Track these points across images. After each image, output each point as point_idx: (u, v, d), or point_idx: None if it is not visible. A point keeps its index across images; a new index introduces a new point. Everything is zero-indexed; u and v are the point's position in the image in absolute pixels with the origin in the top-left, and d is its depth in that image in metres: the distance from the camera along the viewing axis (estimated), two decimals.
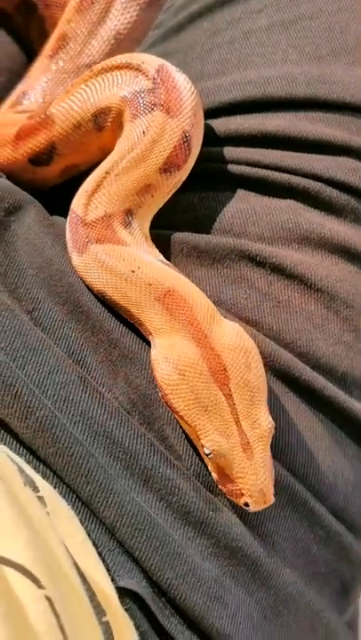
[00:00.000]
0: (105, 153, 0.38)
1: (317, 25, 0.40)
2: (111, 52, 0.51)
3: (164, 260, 0.36)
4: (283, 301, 0.36)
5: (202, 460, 0.33)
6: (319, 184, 0.37)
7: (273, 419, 0.35)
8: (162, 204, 0.38)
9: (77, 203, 0.36)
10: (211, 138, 0.39)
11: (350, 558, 0.37)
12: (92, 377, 0.34)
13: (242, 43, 0.41)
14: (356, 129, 0.38)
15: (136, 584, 0.31)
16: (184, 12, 0.44)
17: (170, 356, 0.32)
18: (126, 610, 0.31)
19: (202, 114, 0.37)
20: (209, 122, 0.39)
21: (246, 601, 0.33)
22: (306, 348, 0.36)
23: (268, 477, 0.31)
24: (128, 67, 0.37)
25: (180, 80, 0.37)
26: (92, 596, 0.29)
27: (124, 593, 0.31)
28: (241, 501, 0.31)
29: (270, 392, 0.35)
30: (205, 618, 0.32)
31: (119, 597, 0.31)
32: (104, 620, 0.29)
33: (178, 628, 0.32)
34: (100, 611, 0.29)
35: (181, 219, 0.39)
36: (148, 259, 0.35)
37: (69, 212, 0.37)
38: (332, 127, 0.38)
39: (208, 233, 0.38)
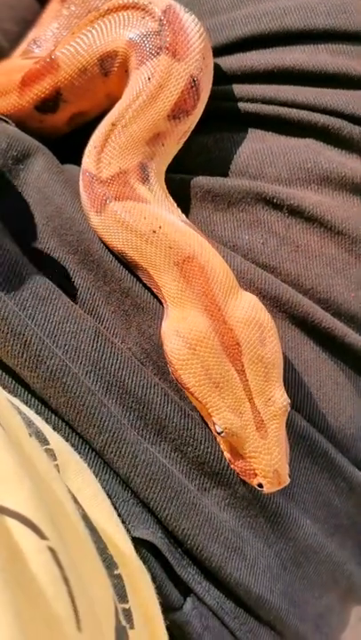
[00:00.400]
0: (113, 100, 0.36)
1: None
2: None
3: (187, 221, 0.34)
4: (302, 245, 0.34)
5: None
6: (340, 120, 0.35)
7: (292, 368, 0.34)
8: (174, 152, 0.36)
9: (88, 160, 0.35)
10: (225, 75, 0.37)
11: None
12: (104, 327, 0.33)
13: None
14: None
15: (152, 534, 0.31)
16: None
17: (181, 329, 0.31)
18: (142, 560, 0.31)
19: (211, 57, 0.35)
20: (223, 59, 0.37)
21: (265, 552, 0.33)
22: (326, 294, 0.34)
23: (283, 457, 0.30)
24: (135, 7, 0.35)
25: (189, 21, 0.34)
26: (103, 548, 0.28)
27: (139, 543, 0.31)
28: (254, 482, 0.30)
29: (290, 340, 0.34)
30: (223, 568, 0.31)
31: (135, 548, 0.30)
32: (116, 572, 0.28)
33: (195, 578, 0.32)
34: (111, 563, 0.28)
35: (195, 162, 0.37)
36: (171, 219, 0.33)
37: (81, 172, 0.35)
38: (353, 59, 0.35)
39: (223, 175, 0.36)
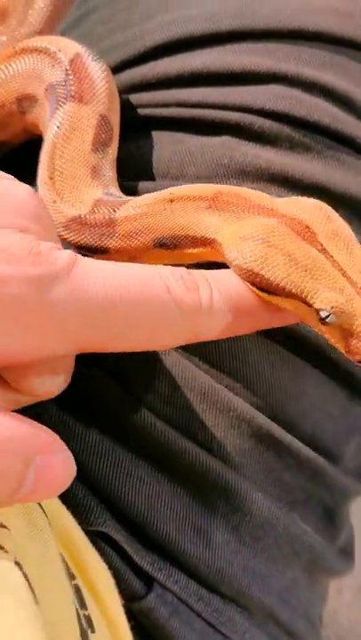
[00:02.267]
0: (31, 133, 0.39)
1: None
2: (51, 17, 0.51)
3: None
4: None
5: None
6: (251, 115, 0.36)
7: (229, 356, 0.35)
8: (114, 169, 0.37)
9: (59, 213, 0.34)
10: (140, 83, 0.39)
11: (327, 483, 0.37)
12: None
13: None
14: (283, 55, 0.37)
15: (107, 525, 0.32)
16: None
17: (245, 234, 0.29)
18: (100, 553, 0.32)
19: (118, 100, 0.37)
20: (138, 68, 0.39)
21: (221, 527, 0.34)
22: None
23: None
24: (46, 52, 0.37)
25: (95, 69, 0.36)
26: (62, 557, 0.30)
27: (96, 536, 0.32)
28: None
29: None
30: (180, 545, 0.33)
31: (92, 542, 0.32)
32: (73, 582, 0.30)
33: (155, 565, 0.33)
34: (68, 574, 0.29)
35: (124, 168, 0.39)
36: (172, 188, 0.32)
37: (63, 227, 0.34)
38: (257, 56, 0.37)
39: (150, 179, 0.38)
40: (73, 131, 0.35)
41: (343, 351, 0.28)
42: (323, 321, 0.28)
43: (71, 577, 0.29)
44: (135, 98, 0.39)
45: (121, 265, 0.25)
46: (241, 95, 0.36)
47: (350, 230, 0.30)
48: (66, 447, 0.23)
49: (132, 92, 0.39)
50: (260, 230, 0.29)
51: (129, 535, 0.33)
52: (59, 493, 0.23)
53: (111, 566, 0.32)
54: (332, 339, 0.28)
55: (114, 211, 0.33)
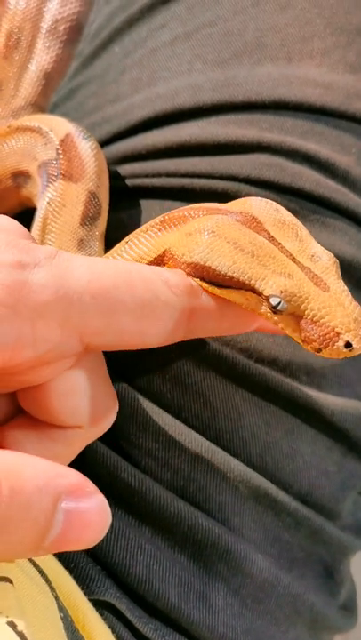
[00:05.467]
0: (25, 206, 0.41)
1: (217, 31, 0.41)
2: (44, 90, 0.53)
3: None
4: None
5: None
6: (237, 183, 0.38)
7: (223, 417, 0.36)
8: (102, 241, 0.39)
9: None
10: (132, 155, 0.40)
11: (325, 540, 0.38)
12: None
13: (150, 60, 0.42)
14: (267, 125, 0.39)
15: (109, 594, 0.32)
16: (97, 39, 0.46)
17: (190, 230, 0.29)
18: (104, 621, 0.32)
19: (107, 176, 0.39)
20: (128, 140, 0.41)
21: (222, 590, 0.34)
22: (246, 343, 0.36)
23: (357, 305, 0.26)
24: (39, 132, 0.40)
25: (85, 148, 0.38)
26: (70, 621, 0.30)
27: (98, 605, 0.32)
28: (340, 344, 0.25)
29: (220, 391, 0.36)
30: (182, 610, 0.33)
31: (96, 609, 0.32)
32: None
33: (158, 632, 0.33)
34: (76, 636, 0.30)
35: (115, 236, 0.40)
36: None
37: None
38: (242, 127, 0.39)
39: None
40: (63, 207, 0.37)
41: (300, 341, 0.27)
42: (275, 310, 0.27)
43: (81, 639, 0.29)
44: (126, 169, 0.40)
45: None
46: (227, 165, 0.38)
47: (299, 222, 0.29)
48: (100, 493, 0.23)
49: (122, 163, 0.40)
50: (204, 224, 0.29)
51: (131, 602, 0.33)
52: (95, 542, 0.22)
53: (114, 633, 0.32)
54: (287, 328, 0.27)
55: None
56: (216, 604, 0.34)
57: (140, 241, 0.32)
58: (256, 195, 0.38)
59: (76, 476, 0.22)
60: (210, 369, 0.36)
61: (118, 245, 0.34)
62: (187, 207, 0.32)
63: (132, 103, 0.41)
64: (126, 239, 0.33)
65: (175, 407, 0.35)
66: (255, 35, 0.40)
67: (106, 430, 0.30)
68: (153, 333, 0.27)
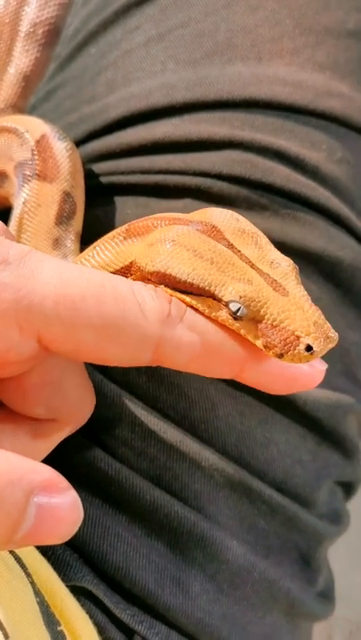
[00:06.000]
0: (3, 206, 0.41)
1: (189, 32, 0.42)
2: (23, 92, 0.54)
3: None
4: None
5: None
6: (209, 180, 0.39)
7: (198, 407, 0.37)
8: (78, 240, 0.40)
9: None
10: (107, 153, 0.41)
11: (300, 528, 0.38)
12: None
13: (125, 61, 0.43)
14: (238, 123, 0.40)
15: (86, 581, 0.33)
16: (73, 41, 0.47)
17: (152, 240, 0.29)
18: (81, 606, 0.33)
19: (82, 176, 0.40)
20: (104, 139, 0.42)
21: (199, 576, 0.35)
22: None
23: (317, 309, 0.26)
24: (16, 133, 0.41)
25: (59, 149, 0.39)
26: (46, 606, 0.30)
27: (75, 591, 0.33)
28: (301, 348, 0.25)
29: (195, 382, 0.37)
30: (159, 597, 0.33)
31: (74, 596, 0.32)
32: (59, 628, 0.30)
33: (135, 617, 0.34)
34: (53, 620, 0.30)
35: (90, 233, 0.41)
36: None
37: None
38: (214, 125, 0.40)
39: None
40: (38, 207, 0.38)
41: (261, 347, 0.27)
42: (235, 316, 0.27)
43: (57, 623, 0.30)
44: (101, 167, 0.41)
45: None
46: (200, 161, 0.39)
47: (259, 231, 0.30)
48: (73, 490, 0.23)
49: (98, 161, 0.41)
50: (166, 234, 0.29)
51: (108, 589, 0.34)
52: (66, 537, 0.23)
53: (92, 619, 0.33)
54: (249, 335, 0.27)
55: None
56: (192, 590, 0.34)
57: (107, 247, 0.33)
58: (228, 190, 0.39)
59: (50, 473, 0.23)
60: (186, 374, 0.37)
61: (87, 250, 0.34)
62: (150, 217, 0.32)
63: (108, 103, 0.42)
64: (94, 244, 0.34)
65: (151, 398, 0.36)
66: (226, 35, 0.41)
67: (82, 424, 0.31)
68: (114, 354, 0.26)
